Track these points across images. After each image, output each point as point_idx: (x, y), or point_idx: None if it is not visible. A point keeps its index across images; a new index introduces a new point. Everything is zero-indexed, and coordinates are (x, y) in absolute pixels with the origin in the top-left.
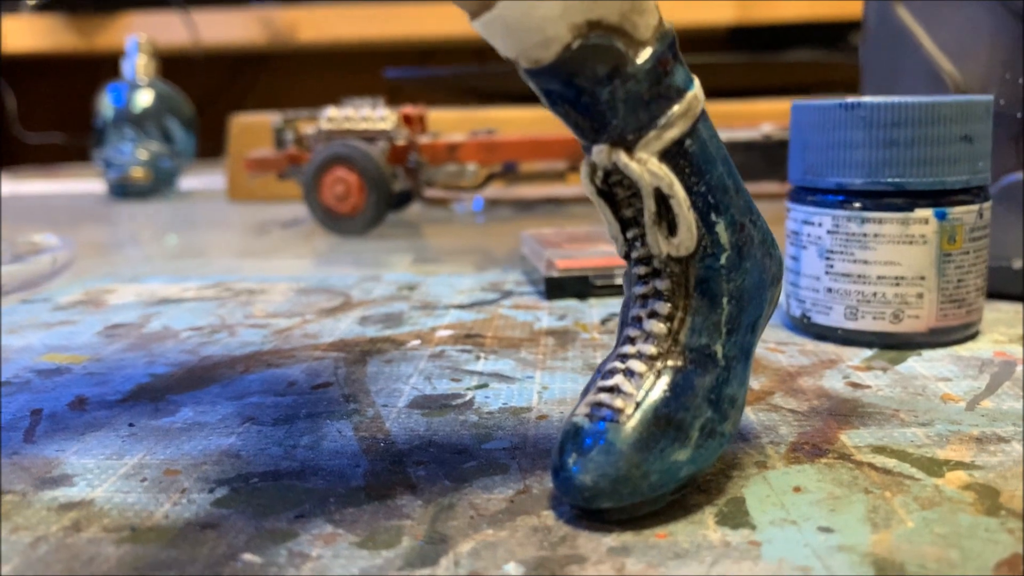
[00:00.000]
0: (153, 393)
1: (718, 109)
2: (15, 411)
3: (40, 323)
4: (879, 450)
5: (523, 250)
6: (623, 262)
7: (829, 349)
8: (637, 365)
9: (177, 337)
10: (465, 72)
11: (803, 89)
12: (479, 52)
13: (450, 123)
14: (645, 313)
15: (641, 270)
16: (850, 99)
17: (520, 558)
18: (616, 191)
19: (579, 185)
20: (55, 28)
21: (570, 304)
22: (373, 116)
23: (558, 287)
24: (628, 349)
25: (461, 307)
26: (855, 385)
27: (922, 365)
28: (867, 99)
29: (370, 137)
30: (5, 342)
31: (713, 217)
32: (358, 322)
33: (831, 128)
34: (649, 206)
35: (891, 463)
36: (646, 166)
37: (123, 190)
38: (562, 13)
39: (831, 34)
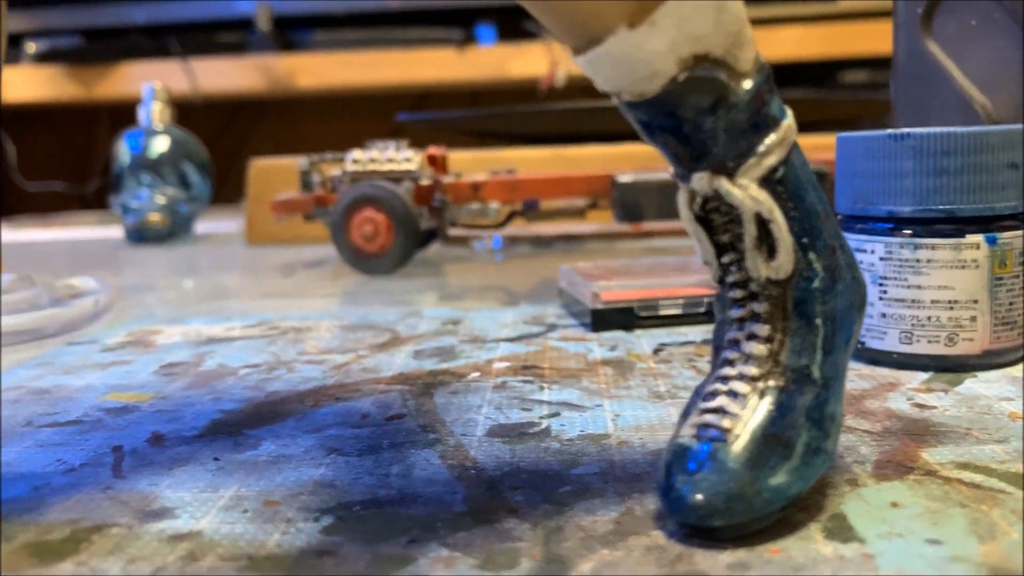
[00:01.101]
0: (228, 428)
1: None
2: (95, 448)
3: (93, 364)
4: (963, 466)
5: (561, 283)
6: (667, 293)
7: (885, 373)
8: (740, 386)
9: (236, 374)
10: (475, 115)
11: (801, 127)
12: (473, 95)
13: (463, 163)
14: (743, 335)
15: (737, 294)
16: (897, 131)
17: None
18: (713, 217)
19: (597, 222)
20: (55, 78)
21: (617, 335)
22: (398, 157)
23: (604, 319)
24: (728, 371)
25: (510, 340)
26: (921, 406)
27: (981, 386)
28: (916, 130)
29: (396, 178)
30: (64, 382)
31: (807, 241)
32: (412, 356)
33: (880, 158)
34: (750, 230)
35: (978, 478)
36: (747, 192)
37: (141, 235)
38: (670, 48)
39: (821, 73)
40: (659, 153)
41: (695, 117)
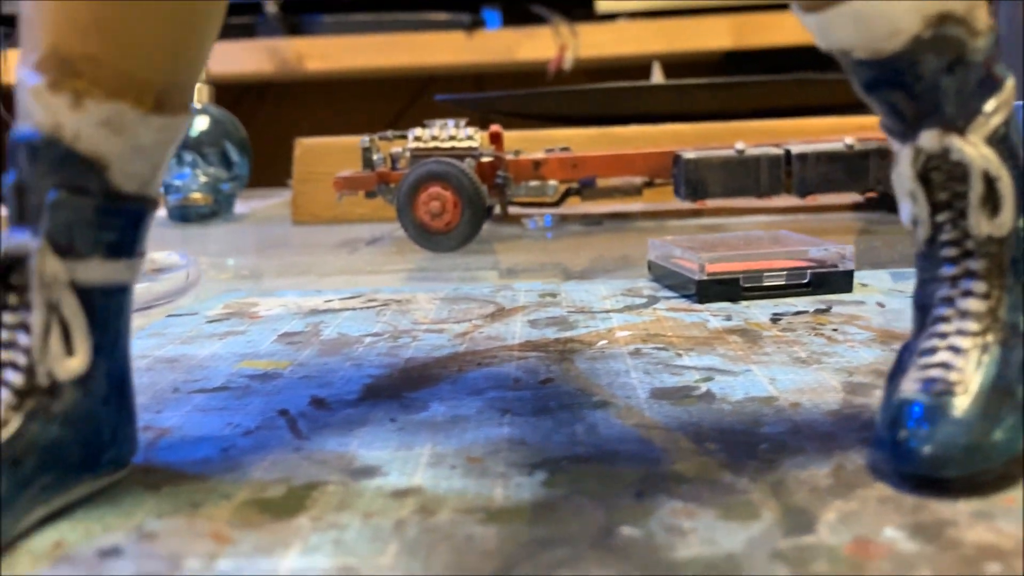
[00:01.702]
0: (386, 392)
1: (732, 128)
2: (259, 412)
3: (207, 334)
4: None
5: (651, 256)
6: (770, 265)
7: None
8: (961, 341)
9: (362, 343)
10: (509, 96)
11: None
12: (477, 78)
13: (509, 143)
14: (958, 293)
15: (951, 252)
16: None
17: (891, 524)
18: (932, 176)
19: (651, 201)
20: None
21: (724, 307)
22: (459, 135)
23: (709, 290)
24: (945, 327)
25: (617, 311)
26: None
27: None
28: None
29: (458, 155)
30: (187, 351)
31: (1021, 200)
32: (529, 325)
33: None
34: (977, 188)
35: None
36: (978, 149)
37: (184, 214)
38: (918, 6)
39: (825, 57)
40: (876, 110)
41: (931, 75)
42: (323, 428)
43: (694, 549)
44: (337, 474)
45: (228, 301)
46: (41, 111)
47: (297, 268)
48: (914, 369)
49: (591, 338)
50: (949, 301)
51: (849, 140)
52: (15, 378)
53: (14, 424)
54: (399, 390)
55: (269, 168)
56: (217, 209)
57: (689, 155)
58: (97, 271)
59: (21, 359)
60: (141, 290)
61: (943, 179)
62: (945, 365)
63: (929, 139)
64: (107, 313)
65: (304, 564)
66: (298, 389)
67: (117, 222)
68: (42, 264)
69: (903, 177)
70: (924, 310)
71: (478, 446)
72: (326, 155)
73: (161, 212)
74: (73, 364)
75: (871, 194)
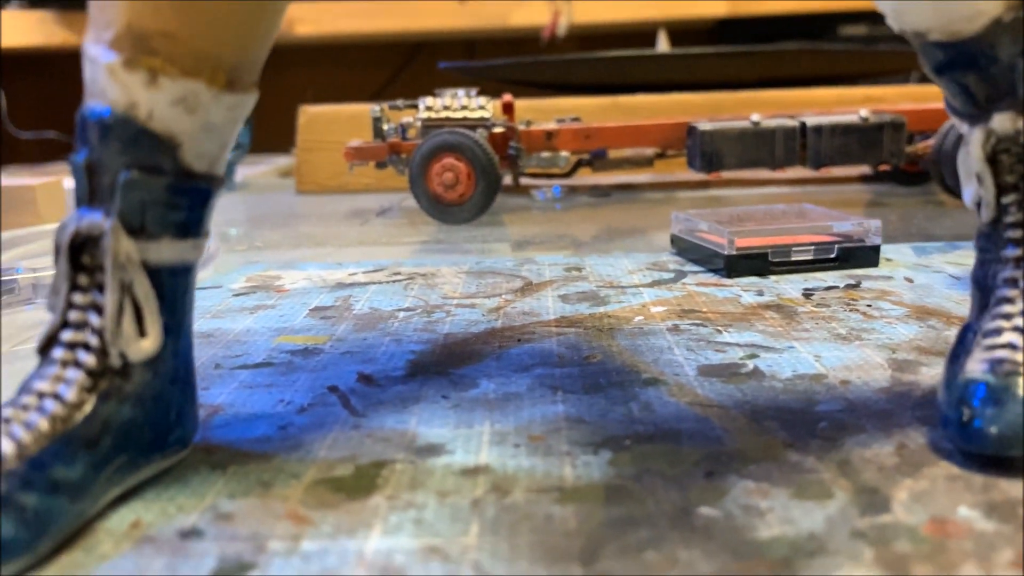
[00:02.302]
0: (432, 369)
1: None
2: (308, 388)
3: (237, 308)
4: None
5: (674, 230)
6: (798, 240)
7: None
8: None
9: (397, 318)
10: (514, 64)
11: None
12: (468, 44)
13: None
14: (1022, 274)
15: (1015, 233)
16: None
17: (964, 503)
18: (1001, 157)
19: (658, 172)
20: (45, 23)
21: (753, 281)
22: (471, 105)
23: (738, 265)
24: (1009, 308)
25: (647, 286)
26: None
27: None
28: None
29: (470, 125)
30: (221, 326)
31: None
32: (561, 300)
33: None
34: None
35: None
36: None
37: None
38: None
39: (820, 26)
40: (945, 91)
41: (1008, 58)
42: (377, 405)
43: (775, 529)
44: (402, 452)
45: (250, 274)
46: (116, 89)
47: (312, 240)
48: (979, 350)
49: (626, 314)
50: (1013, 282)
51: (864, 112)
52: (88, 359)
53: (89, 405)
54: (445, 367)
55: (258, 132)
56: None
57: (704, 126)
58: (167, 251)
59: (93, 340)
60: None
61: (1012, 161)
62: (1011, 346)
63: (1002, 121)
64: (175, 293)
65: (389, 545)
66: (342, 365)
67: (187, 202)
68: (116, 244)
69: (972, 158)
70: (985, 290)
71: (536, 424)
72: (331, 123)
73: None
74: (145, 345)
75: (885, 167)
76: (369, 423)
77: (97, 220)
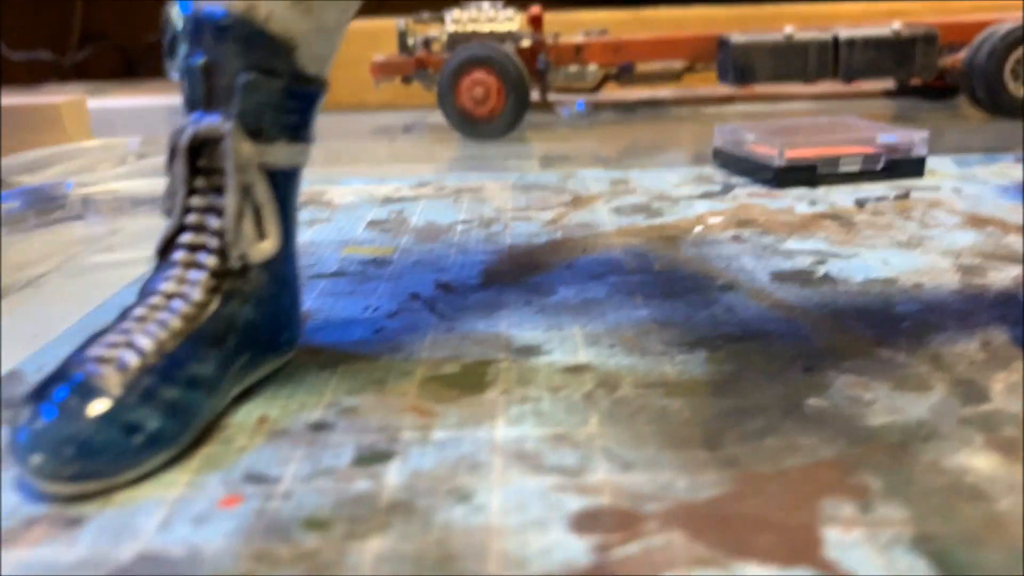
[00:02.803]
0: (506, 277)
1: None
2: (390, 296)
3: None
4: None
5: (716, 143)
6: (846, 151)
7: None
8: None
9: (455, 231)
10: None
11: None
12: None
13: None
14: None
15: None
16: None
17: None
18: None
19: (685, 88)
20: None
21: (801, 192)
22: (499, 17)
23: (787, 176)
24: None
25: (698, 198)
26: None
27: None
28: None
29: (498, 39)
30: None
31: None
32: (615, 213)
33: None
34: None
35: None
36: None
37: None
38: None
39: None
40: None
41: None
42: (463, 311)
43: (883, 417)
44: (503, 352)
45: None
46: None
47: (344, 157)
48: None
49: (684, 224)
50: None
51: (896, 25)
52: (209, 260)
53: (214, 305)
54: (518, 275)
55: None
56: None
57: (737, 39)
58: (282, 154)
59: (213, 242)
60: None
61: None
62: None
63: None
64: (288, 196)
65: (517, 433)
66: (417, 274)
67: (300, 105)
68: (237, 146)
69: None
70: None
71: (625, 327)
72: (349, 39)
73: (177, 100)
74: (265, 247)
75: (915, 81)
76: (461, 327)
77: (216, 123)
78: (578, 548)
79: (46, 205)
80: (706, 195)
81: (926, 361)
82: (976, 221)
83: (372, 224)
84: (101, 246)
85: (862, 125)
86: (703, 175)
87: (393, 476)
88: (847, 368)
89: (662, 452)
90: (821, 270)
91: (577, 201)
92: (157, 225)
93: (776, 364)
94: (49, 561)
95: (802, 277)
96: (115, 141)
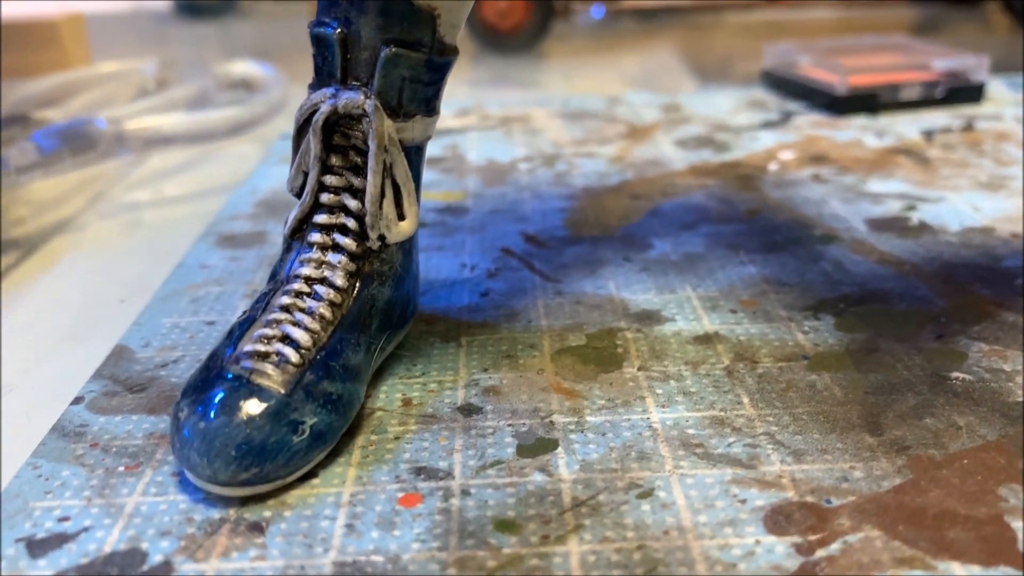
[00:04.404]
0: (593, 227)
1: None
2: (480, 250)
3: None
4: None
5: (768, 64)
6: (906, 78)
7: None
8: None
9: (519, 170)
10: None
11: None
12: None
13: None
14: None
15: None
16: None
17: None
18: None
19: None
20: None
21: (864, 122)
22: None
23: (848, 104)
24: None
25: (760, 127)
26: None
27: None
28: None
29: None
30: None
31: None
32: (679, 147)
33: None
34: None
35: None
36: None
37: (192, 8)
38: None
39: None
40: None
41: None
42: (563, 269)
43: None
44: (623, 320)
45: None
46: None
47: None
48: None
49: (756, 160)
50: None
51: None
52: (347, 242)
53: (356, 289)
54: (604, 225)
55: None
56: (224, 3)
57: None
58: (419, 128)
59: (351, 223)
60: (233, 114)
61: None
62: None
63: None
64: (418, 171)
65: (674, 417)
66: (498, 224)
67: (437, 76)
68: (380, 124)
69: None
70: None
71: (740, 288)
72: None
73: (164, 5)
74: (405, 227)
75: None
76: (568, 288)
77: (357, 99)
78: (780, 550)
79: (81, 144)
80: (767, 125)
81: None
82: None
83: (430, 162)
84: (134, 182)
85: (917, 46)
86: (755, 99)
87: (564, 469)
88: (977, 334)
89: (827, 437)
90: (914, 218)
91: (635, 133)
92: (187, 160)
93: (907, 330)
94: None
95: (898, 225)
96: (129, 66)
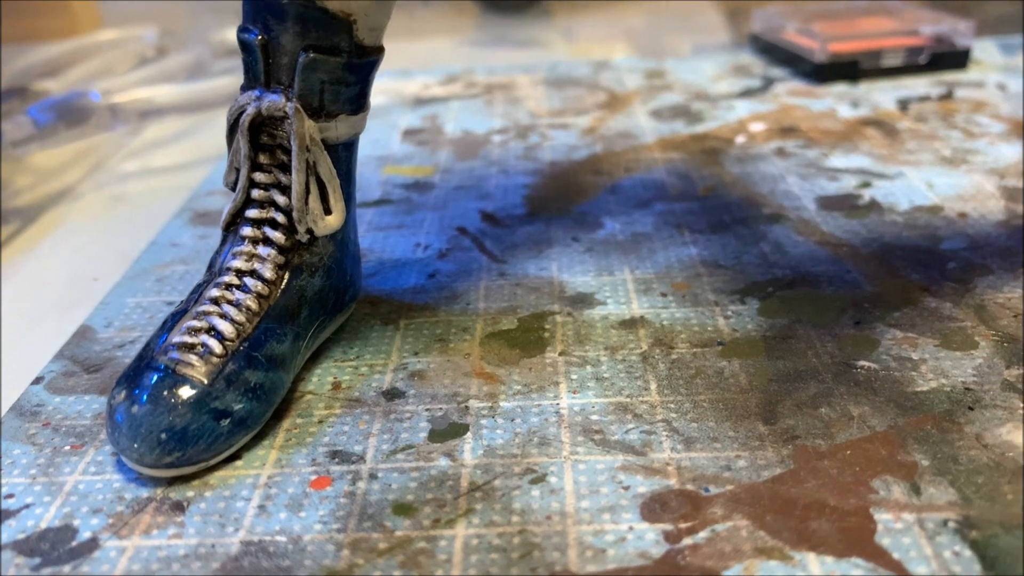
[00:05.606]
0: (552, 206)
1: None
2: (437, 230)
3: None
4: None
5: (755, 28)
6: (889, 44)
7: None
8: None
9: (492, 142)
10: None
11: None
12: None
13: None
14: None
15: None
16: None
17: None
18: None
19: None
20: None
21: (844, 89)
22: None
23: (829, 71)
24: None
25: (737, 96)
26: None
27: None
28: None
29: None
30: None
31: None
32: (653, 118)
33: None
34: None
35: None
36: None
37: None
38: None
39: None
40: None
41: None
42: (511, 250)
43: (931, 382)
44: (556, 303)
45: None
46: None
47: None
48: None
49: (726, 133)
50: None
51: None
52: (277, 236)
53: (284, 280)
54: (563, 203)
55: None
56: None
57: None
58: (343, 127)
59: (280, 218)
60: (225, 84)
61: None
62: None
63: None
64: (348, 166)
65: (582, 403)
66: (461, 201)
67: (359, 77)
68: (300, 126)
69: None
70: None
71: (675, 270)
72: None
73: None
74: (331, 221)
75: None
76: (512, 270)
77: (278, 101)
78: (650, 537)
79: (75, 117)
80: (746, 93)
81: (970, 312)
82: (1021, 128)
83: (408, 135)
84: (127, 153)
85: (905, 11)
86: (740, 64)
87: (468, 454)
88: (895, 321)
89: (721, 426)
90: (866, 196)
91: (614, 102)
92: (181, 130)
93: (827, 316)
94: (165, 555)
95: (848, 204)
96: (130, 33)
